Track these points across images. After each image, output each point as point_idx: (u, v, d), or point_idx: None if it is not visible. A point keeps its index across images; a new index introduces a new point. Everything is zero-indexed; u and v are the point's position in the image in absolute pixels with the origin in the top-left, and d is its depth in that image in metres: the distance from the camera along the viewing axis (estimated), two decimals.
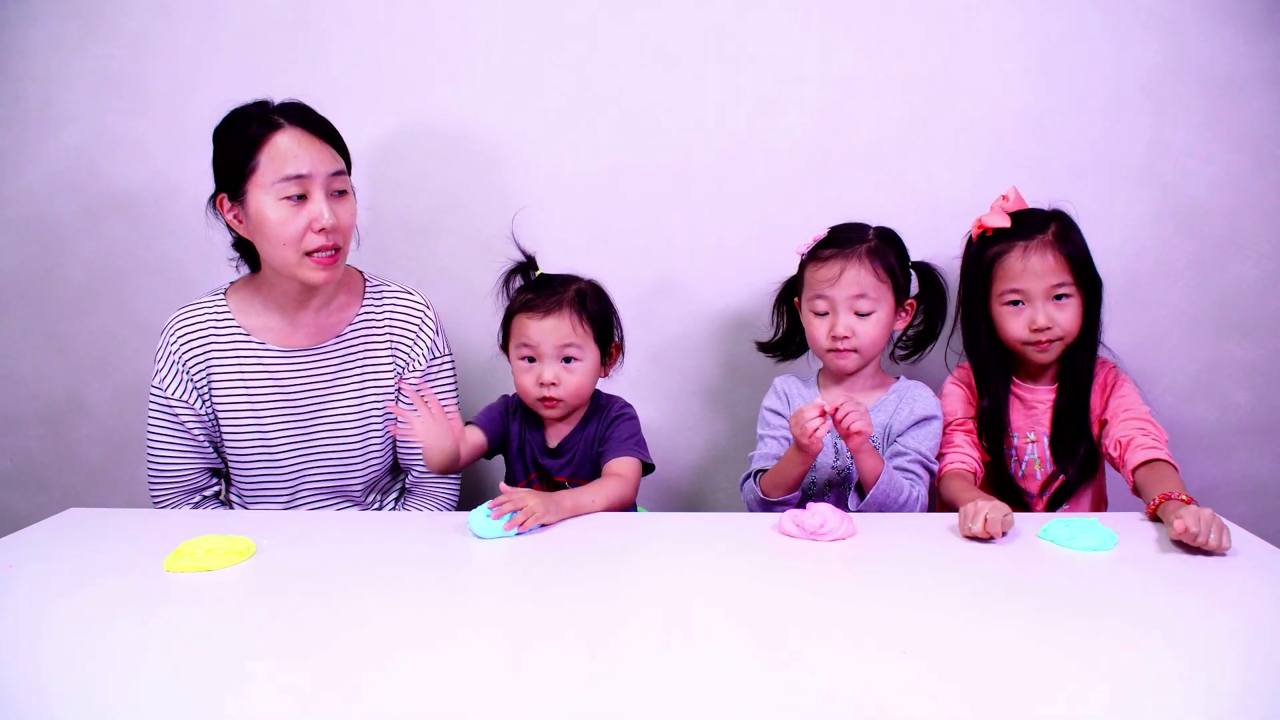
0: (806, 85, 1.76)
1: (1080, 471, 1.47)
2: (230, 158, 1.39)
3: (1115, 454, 1.39)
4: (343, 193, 1.44)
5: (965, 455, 1.49)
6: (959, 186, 1.74)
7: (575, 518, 1.31)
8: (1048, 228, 1.44)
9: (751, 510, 1.49)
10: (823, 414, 1.30)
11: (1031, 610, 0.97)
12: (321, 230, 1.38)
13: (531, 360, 1.46)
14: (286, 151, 1.37)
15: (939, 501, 1.48)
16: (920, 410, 1.47)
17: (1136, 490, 1.34)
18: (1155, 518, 1.23)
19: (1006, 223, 1.45)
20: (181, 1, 1.81)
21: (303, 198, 1.38)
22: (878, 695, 0.78)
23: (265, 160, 1.37)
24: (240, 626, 0.97)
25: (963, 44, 1.73)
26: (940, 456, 1.49)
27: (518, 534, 1.23)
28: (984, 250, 1.48)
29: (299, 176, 1.37)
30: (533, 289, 1.48)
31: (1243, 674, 0.83)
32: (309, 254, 1.40)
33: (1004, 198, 1.48)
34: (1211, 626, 0.92)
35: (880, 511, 1.34)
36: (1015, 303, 1.45)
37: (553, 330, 1.43)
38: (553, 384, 1.44)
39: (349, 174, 1.47)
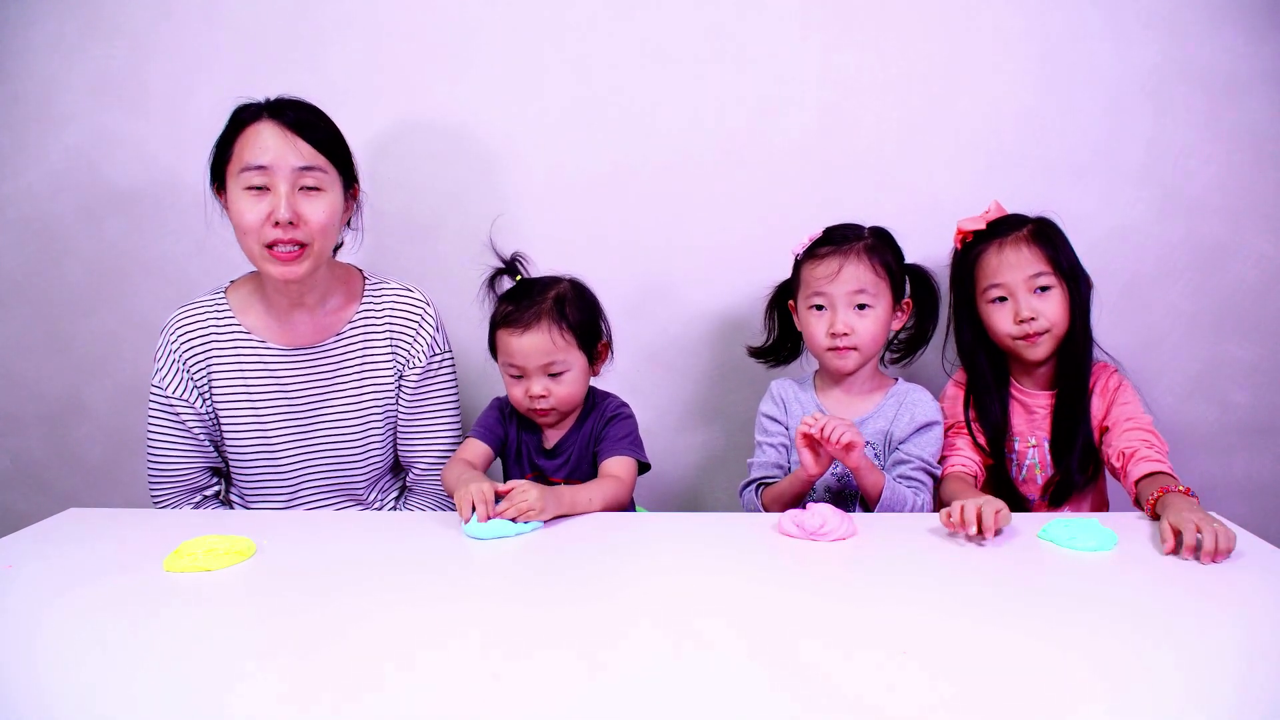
0: (806, 85, 1.76)
1: (1080, 472, 1.47)
2: (217, 147, 1.44)
3: (1118, 464, 1.40)
4: (316, 190, 1.42)
5: (966, 458, 1.49)
6: (959, 187, 1.74)
7: (573, 517, 1.31)
8: (1024, 227, 1.48)
9: None
10: (809, 438, 1.32)
11: (1031, 610, 0.97)
12: (278, 224, 1.38)
13: (519, 376, 1.45)
14: (253, 142, 1.39)
15: (939, 503, 1.48)
16: (921, 416, 1.47)
17: (1138, 501, 1.34)
18: (1156, 515, 1.22)
19: (981, 225, 1.50)
20: (181, 1, 1.81)
21: (268, 190, 1.39)
22: (878, 695, 0.78)
23: (237, 149, 1.40)
24: (240, 626, 0.97)
25: (963, 44, 1.73)
26: (943, 459, 1.49)
27: (517, 534, 1.23)
28: (966, 254, 1.52)
29: (260, 167, 1.38)
30: (512, 299, 1.46)
31: (1243, 674, 0.83)
32: (269, 247, 1.40)
33: (987, 211, 1.52)
34: (1211, 626, 0.92)
35: None
36: (1000, 299, 1.47)
37: (533, 347, 1.41)
38: (542, 396, 1.43)
39: (337, 174, 1.45)
